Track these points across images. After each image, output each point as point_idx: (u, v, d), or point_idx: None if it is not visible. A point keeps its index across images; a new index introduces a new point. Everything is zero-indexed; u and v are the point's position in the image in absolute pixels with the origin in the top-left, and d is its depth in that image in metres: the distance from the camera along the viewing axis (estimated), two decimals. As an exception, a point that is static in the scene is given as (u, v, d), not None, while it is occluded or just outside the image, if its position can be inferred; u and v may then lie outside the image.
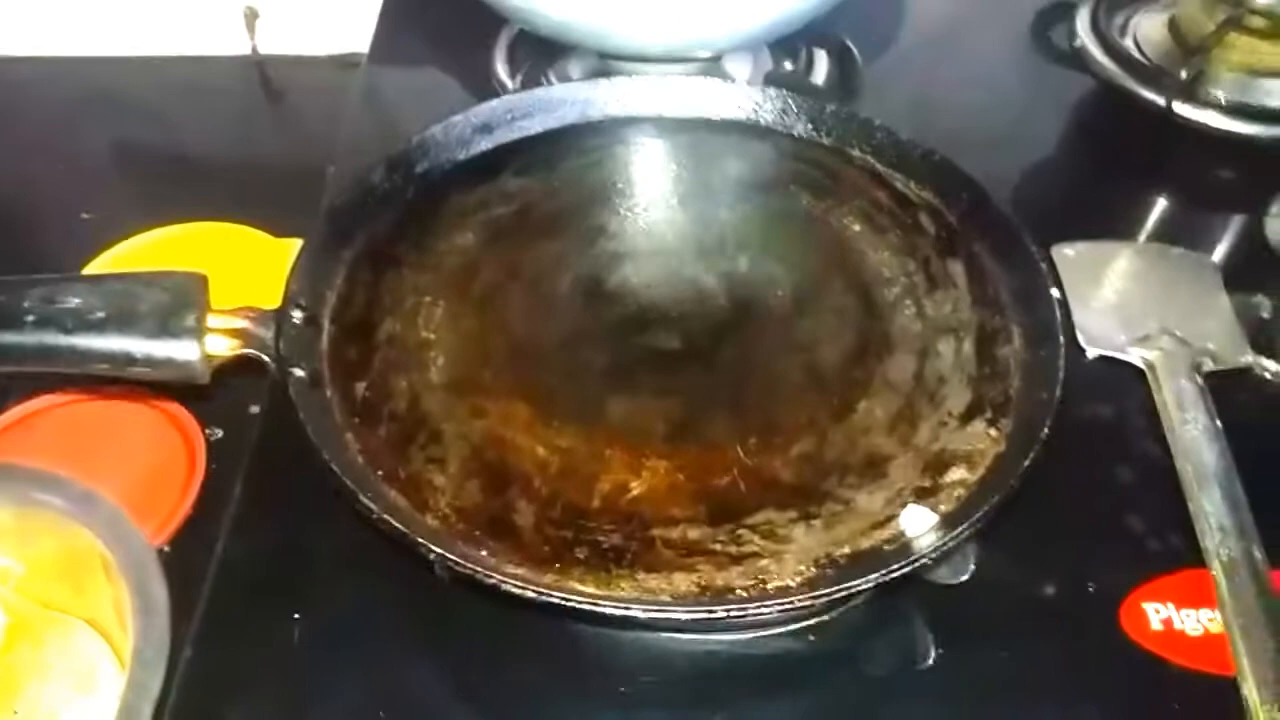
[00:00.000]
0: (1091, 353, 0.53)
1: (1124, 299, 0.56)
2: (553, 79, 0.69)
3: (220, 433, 0.51)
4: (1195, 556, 0.44)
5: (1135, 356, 0.52)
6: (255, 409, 0.50)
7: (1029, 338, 0.44)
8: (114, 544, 0.42)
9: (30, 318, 0.38)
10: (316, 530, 0.44)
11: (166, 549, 0.47)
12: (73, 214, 0.65)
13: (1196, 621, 0.42)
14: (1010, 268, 0.47)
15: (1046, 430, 0.39)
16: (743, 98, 0.56)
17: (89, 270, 0.57)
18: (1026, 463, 0.38)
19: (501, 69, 0.71)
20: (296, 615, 0.42)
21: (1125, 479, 0.48)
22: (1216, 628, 0.42)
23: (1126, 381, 0.52)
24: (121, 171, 0.70)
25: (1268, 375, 0.52)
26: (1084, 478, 0.48)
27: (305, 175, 0.62)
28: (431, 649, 0.42)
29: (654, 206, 0.52)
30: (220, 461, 0.49)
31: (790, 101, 0.55)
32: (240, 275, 0.57)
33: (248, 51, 0.80)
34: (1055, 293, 0.44)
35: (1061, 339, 0.42)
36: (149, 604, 0.40)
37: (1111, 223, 0.63)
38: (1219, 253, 0.60)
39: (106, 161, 0.72)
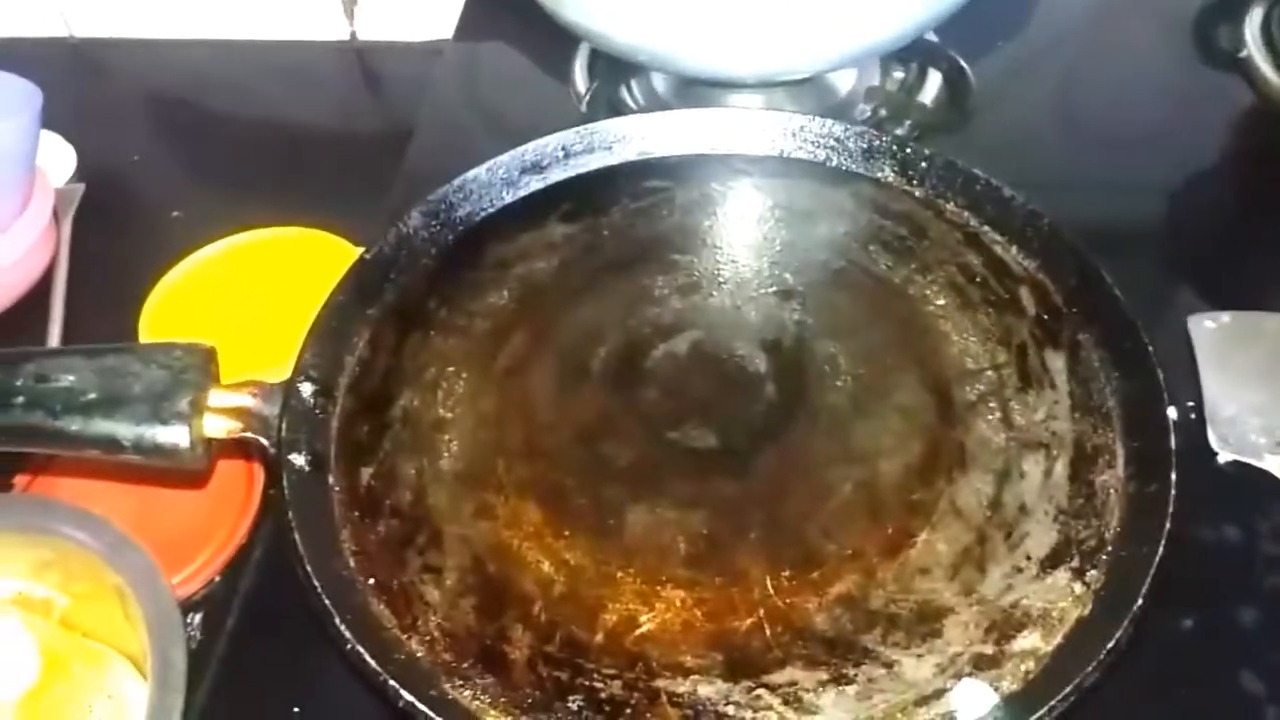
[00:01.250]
0: (1224, 456, 0.45)
1: (1271, 389, 0.47)
2: (635, 93, 0.64)
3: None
4: (1328, 734, 0.36)
5: (1276, 465, 0.44)
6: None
7: (1136, 464, 0.37)
8: (144, 599, 0.41)
9: (19, 399, 0.36)
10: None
11: (217, 580, 0.45)
12: (164, 212, 0.65)
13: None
14: (1122, 369, 0.40)
15: (1142, 599, 0.32)
16: (821, 134, 0.49)
17: (165, 282, 0.56)
18: (1111, 643, 0.31)
19: (579, 78, 0.65)
20: (296, 710, 0.40)
21: (1247, 624, 0.40)
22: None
23: (1263, 495, 0.43)
24: (216, 164, 0.69)
25: None
26: (1194, 619, 0.40)
27: (397, 171, 0.60)
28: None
29: (707, 265, 0.47)
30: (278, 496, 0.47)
31: (876, 140, 0.48)
32: (316, 287, 0.55)
33: (346, 37, 0.78)
34: (1173, 412, 0.37)
35: (1174, 476, 0.35)
36: (167, 674, 0.39)
37: (1268, 281, 0.53)
38: (1398, 330, 0.50)
39: (201, 152, 0.71)
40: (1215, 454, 0.45)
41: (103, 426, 0.37)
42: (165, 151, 0.71)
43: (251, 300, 0.55)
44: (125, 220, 0.65)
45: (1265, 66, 0.58)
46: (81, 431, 0.37)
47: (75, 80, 0.77)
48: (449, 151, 0.62)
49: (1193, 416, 0.46)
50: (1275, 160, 0.60)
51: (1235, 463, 0.44)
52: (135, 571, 0.40)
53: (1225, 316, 0.50)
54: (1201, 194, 0.60)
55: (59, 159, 0.66)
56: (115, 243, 0.62)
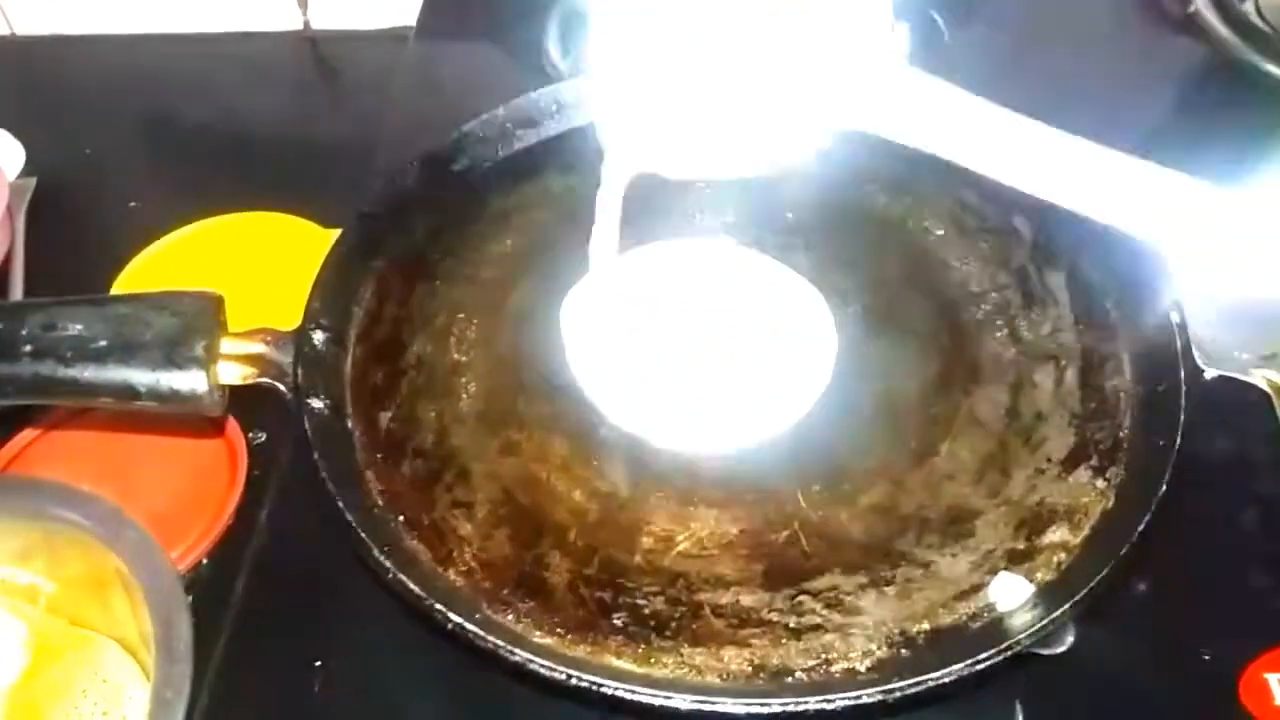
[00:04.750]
0: (1209, 373, 0.46)
1: (1246, 310, 0.49)
2: (608, 58, 0.64)
3: (264, 436, 0.47)
4: (1332, 620, 0.38)
5: (1259, 378, 0.46)
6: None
7: (1143, 368, 0.38)
8: (141, 571, 0.40)
9: (27, 347, 0.35)
10: (343, 571, 0.40)
11: (205, 562, 0.44)
12: (121, 202, 0.63)
13: (1332, 699, 0.36)
14: (1120, 280, 0.41)
15: (1164, 486, 0.33)
16: (813, 82, 0.50)
17: (132, 267, 0.55)
18: (1141, 526, 0.32)
19: (553, 47, 0.66)
20: (318, 663, 0.39)
21: (1248, 525, 0.42)
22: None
23: (1251, 407, 0.45)
24: (171, 155, 0.68)
25: None
26: (1200, 524, 0.41)
27: (358, 157, 0.58)
28: (460, 709, 0.38)
29: (711, 206, 0.47)
30: (263, 468, 0.46)
31: (866, 87, 0.49)
32: (286, 269, 0.54)
33: (299, 26, 0.77)
34: (1176, 315, 0.38)
35: (1183, 371, 0.36)
36: (172, 643, 0.38)
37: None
38: (1361, 254, 0.52)
39: (156, 144, 0.69)
40: (1202, 372, 0.46)
41: (117, 373, 0.36)
42: (119, 145, 0.70)
43: (220, 283, 0.54)
44: (81, 213, 0.63)
45: (1213, 20, 0.61)
46: (94, 379, 0.36)
47: (20, 77, 0.75)
48: (426, 128, 0.62)
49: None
50: (1228, 110, 0.63)
51: (1221, 378, 0.46)
52: (131, 547, 0.39)
53: (1199, 246, 0.51)
54: (1161, 143, 0.61)
55: (7, 155, 0.64)
56: (71, 236, 0.61)
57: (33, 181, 0.63)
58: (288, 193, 0.58)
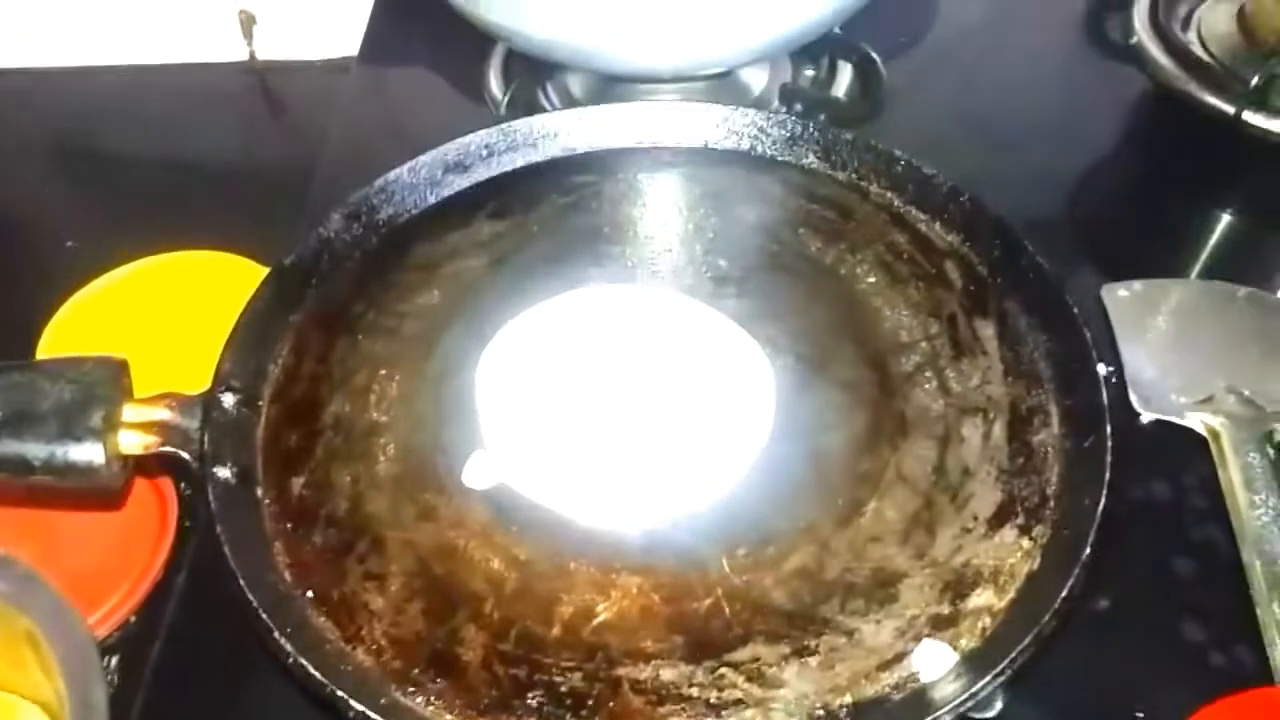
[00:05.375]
0: (1146, 417, 0.46)
1: (1185, 350, 0.49)
2: (551, 95, 0.63)
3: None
4: (1268, 673, 0.37)
5: (1196, 422, 0.45)
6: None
7: (1071, 422, 0.38)
8: (54, 636, 0.38)
9: (-84, 422, 0.34)
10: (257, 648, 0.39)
11: (132, 620, 0.43)
12: (58, 242, 0.61)
13: (1270, 757, 0.36)
14: (1049, 331, 0.41)
15: (1089, 549, 0.33)
16: (744, 124, 0.50)
17: (66, 309, 0.53)
18: (1064, 592, 0.32)
19: (494, 83, 0.65)
20: (230, 739, 0.38)
21: (1183, 574, 0.42)
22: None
23: (1187, 451, 0.45)
24: (111, 191, 0.66)
25: (1356, 445, 0.45)
26: (1134, 574, 0.41)
27: (303, 191, 0.58)
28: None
29: (641, 256, 0.46)
30: (194, 519, 0.44)
31: (798, 128, 0.49)
32: (226, 310, 0.53)
33: (244, 58, 0.76)
34: (1102, 368, 0.38)
35: (1109, 428, 0.36)
36: (87, 715, 0.36)
37: (1170, 251, 0.56)
38: (1296, 290, 0.52)
39: (96, 180, 0.68)
40: (1138, 415, 0.46)
41: (10, 447, 0.34)
42: (56, 182, 0.68)
43: (158, 326, 0.53)
44: (16, 253, 0.62)
45: (1155, 50, 0.61)
46: (-14, 454, 0.34)
47: (-47, 112, 0.73)
48: (362, 163, 0.60)
49: (1114, 380, 0.47)
50: (1170, 138, 0.63)
51: (1158, 422, 0.46)
52: (45, 611, 0.38)
53: (1136, 285, 0.51)
54: (1103, 175, 0.62)
55: (-60, 194, 0.63)
56: (6, 276, 0.59)
57: (-33, 219, 0.61)
58: (231, 229, 0.57)
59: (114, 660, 0.42)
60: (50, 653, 0.38)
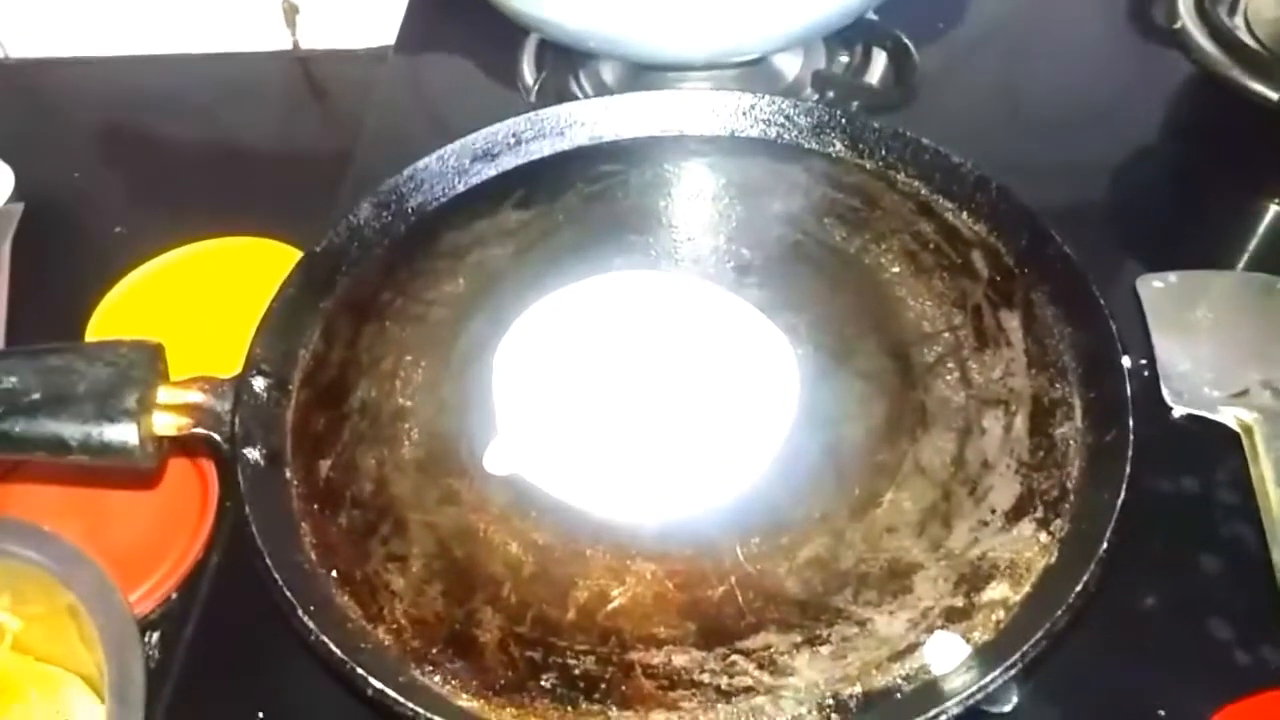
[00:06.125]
0: (1178, 411, 0.45)
1: (1220, 343, 0.48)
2: (583, 82, 0.64)
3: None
4: (1294, 673, 0.37)
5: (1229, 417, 0.45)
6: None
7: (1094, 415, 0.37)
8: (96, 612, 0.40)
9: (-40, 402, 0.35)
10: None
11: (174, 597, 0.44)
12: (106, 228, 0.63)
13: (1294, 758, 0.35)
14: (1075, 323, 0.40)
15: (1106, 545, 0.32)
16: (771, 112, 0.49)
17: (115, 294, 0.55)
18: (1079, 586, 0.31)
19: (527, 70, 0.65)
20: (260, 715, 0.39)
21: (1210, 571, 0.41)
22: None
23: (1219, 447, 0.44)
24: (159, 178, 0.68)
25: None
26: (1159, 569, 0.40)
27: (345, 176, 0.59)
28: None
29: (664, 244, 0.46)
30: (234, 498, 0.45)
31: (825, 116, 0.49)
32: (267, 295, 0.54)
33: (288, 47, 0.77)
34: (1127, 361, 0.37)
35: (1131, 422, 0.35)
36: (124, 687, 0.38)
37: (1211, 242, 0.54)
38: (1338, 283, 0.51)
39: (143, 168, 0.69)
40: (1170, 409, 0.45)
41: (48, 427, 0.35)
42: (107, 168, 0.70)
43: (202, 310, 0.54)
44: (68, 238, 0.63)
45: (1199, 36, 0.59)
46: (26, 433, 0.35)
47: (11, 100, 0.75)
48: (398, 150, 0.61)
49: (1146, 374, 0.46)
50: (1212, 126, 0.61)
51: (1189, 416, 0.45)
52: (88, 587, 0.39)
53: (1172, 276, 0.50)
54: (1143, 163, 0.61)
55: (-3, 180, 0.65)
56: (58, 261, 0.61)
57: (20, 207, 0.63)
58: (275, 215, 0.58)
59: (155, 636, 0.43)
60: (92, 627, 0.39)
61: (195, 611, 0.43)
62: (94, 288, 0.56)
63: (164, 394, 0.38)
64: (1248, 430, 0.44)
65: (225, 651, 0.42)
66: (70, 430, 0.36)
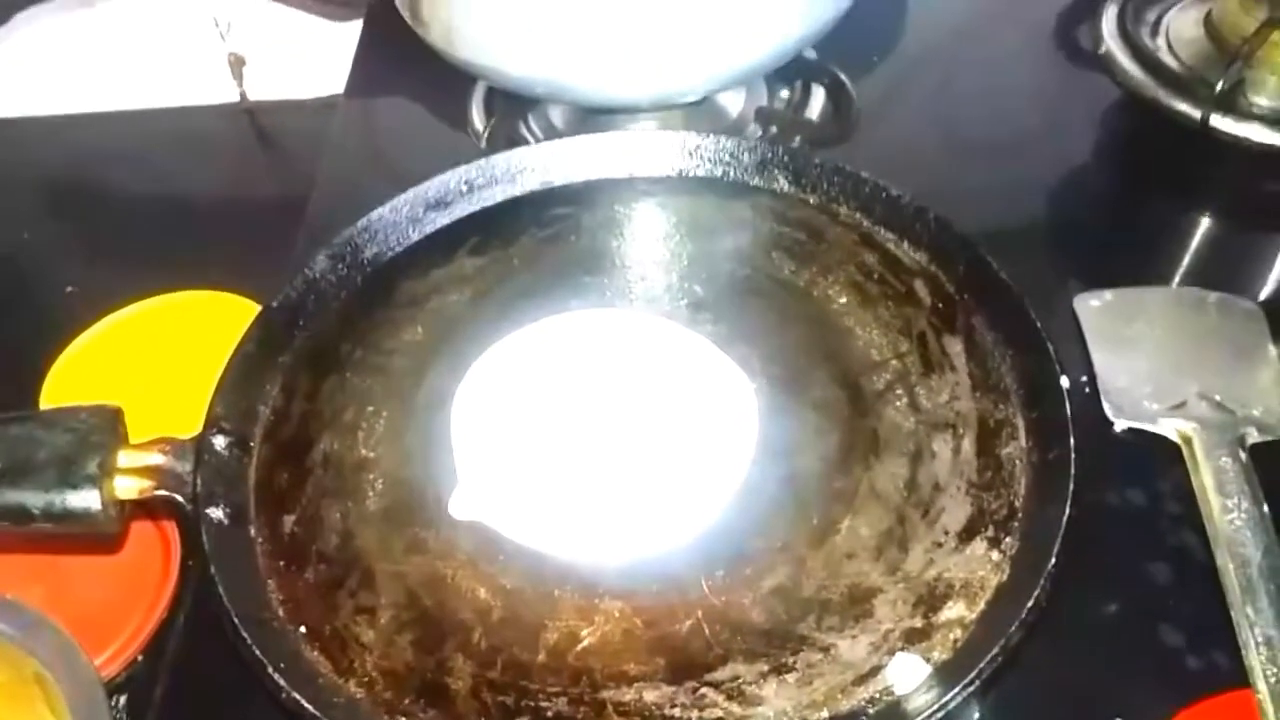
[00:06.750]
0: (1119, 425, 0.47)
1: (1157, 357, 0.49)
2: (533, 126, 0.65)
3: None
4: (1244, 675, 0.38)
5: (1169, 428, 0.46)
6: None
7: (1037, 435, 0.39)
8: (63, 679, 0.39)
9: (-84, 477, 0.35)
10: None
11: (139, 659, 0.44)
12: (58, 287, 0.63)
13: (1248, 758, 0.36)
14: (1015, 346, 0.42)
15: (1054, 561, 0.34)
16: (717, 151, 0.51)
17: (67, 354, 0.55)
18: (1030, 602, 0.33)
19: (477, 116, 0.66)
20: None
21: (1159, 580, 0.42)
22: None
23: (1161, 458, 0.46)
24: (109, 236, 0.68)
25: (1326, 447, 0.46)
26: (1110, 580, 0.42)
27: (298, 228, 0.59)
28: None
29: (618, 284, 0.47)
30: (197, 558, 0.45)
31: (769, 153, 0.50)
32: (225, 350, 0.54)
33: (236, 99, 0.78)
34: (1065, 381, 0.39)
35: (1073, 440, 0.37)
36: None
37: (1144, 259, 0.56)
38: (1266, 293, 0.53)
39: (93, 225, 0.69)
40: (1112, 423, 0.47)
41: (9, 497, 0.35)
42: (56, 227, 0.70)
43: (158, 366, 0.54)
44: (16, 299, 0.63)
45: (1123, 59, 0.62)
46: (-14, 504, 0.35)
47: (-46, 161, 0.75)
48: (350, 199, 0.62)
49: (1087, 390, 0.48)
50: (1140, 146, 0.64)
51: (1131, 430, 0.47)
52: (52, 653, 0.39)
53: (1108, 294, 0.52)
54: (1076, 184, 0.63)
55: (-57, 240, 0.64)
56: (8, 322, 0.61)
57: (-33, 268, 0.63)
58: (229, 268, 0.58)
59: (122, 699, 0.43)
60: (58, 693, 0.39)
61: (163, 673, 0.43)
62: (47, 348, 0.55)
63: (125, 458, 0.38)
64: (1187, 441, 0.45)
65: (194, 712, 0.42)
66: (32, 499, 0.36)
